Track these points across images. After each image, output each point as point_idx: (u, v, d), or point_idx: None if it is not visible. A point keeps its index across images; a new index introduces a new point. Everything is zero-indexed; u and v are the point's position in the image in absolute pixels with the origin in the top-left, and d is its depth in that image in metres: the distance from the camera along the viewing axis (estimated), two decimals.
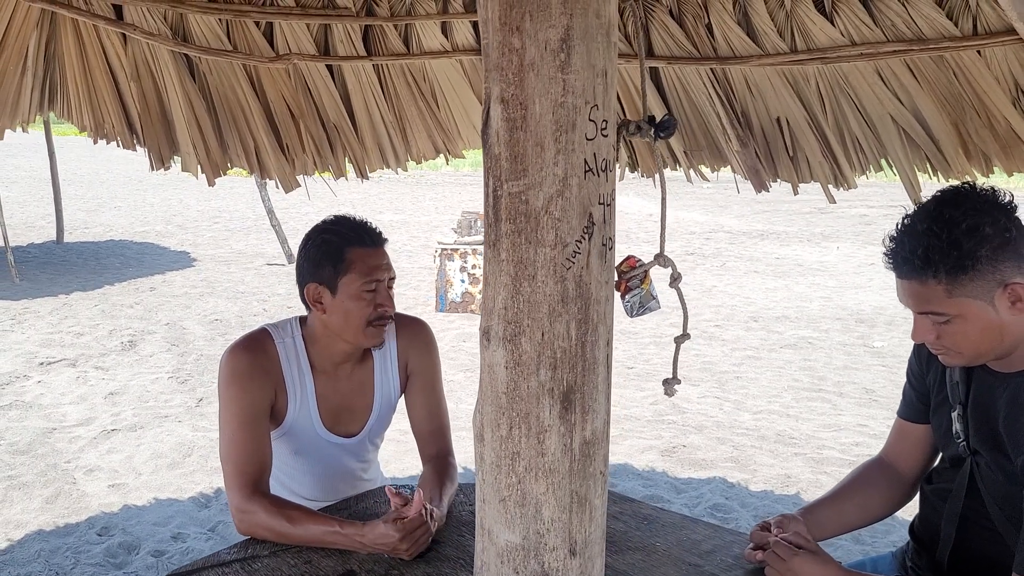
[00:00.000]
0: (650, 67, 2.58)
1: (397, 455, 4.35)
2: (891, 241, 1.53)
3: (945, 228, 1.44)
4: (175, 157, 2.82)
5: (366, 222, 2.00)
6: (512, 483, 1.22)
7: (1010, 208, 1.47)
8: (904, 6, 2.13)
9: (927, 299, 1.48)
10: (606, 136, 1.18)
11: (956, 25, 2.10)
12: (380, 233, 2.00)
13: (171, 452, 4.60)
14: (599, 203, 1.18)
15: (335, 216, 2.01)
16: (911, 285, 1.49)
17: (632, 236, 12.55)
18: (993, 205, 1.46)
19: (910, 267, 1.48)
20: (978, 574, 1.64)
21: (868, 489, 1.84)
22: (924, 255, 1.44)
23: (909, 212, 1.53)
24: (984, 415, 1.58)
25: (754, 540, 1.73)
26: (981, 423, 1.58)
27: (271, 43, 2.61)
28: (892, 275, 1.54)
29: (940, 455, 1.79)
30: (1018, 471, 1.49)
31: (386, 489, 1.75)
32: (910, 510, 1.88)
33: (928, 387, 1.76)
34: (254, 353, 1.94)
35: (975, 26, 2.09)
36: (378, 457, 2.24)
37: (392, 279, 1.98)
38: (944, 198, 1.49)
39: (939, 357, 1.58)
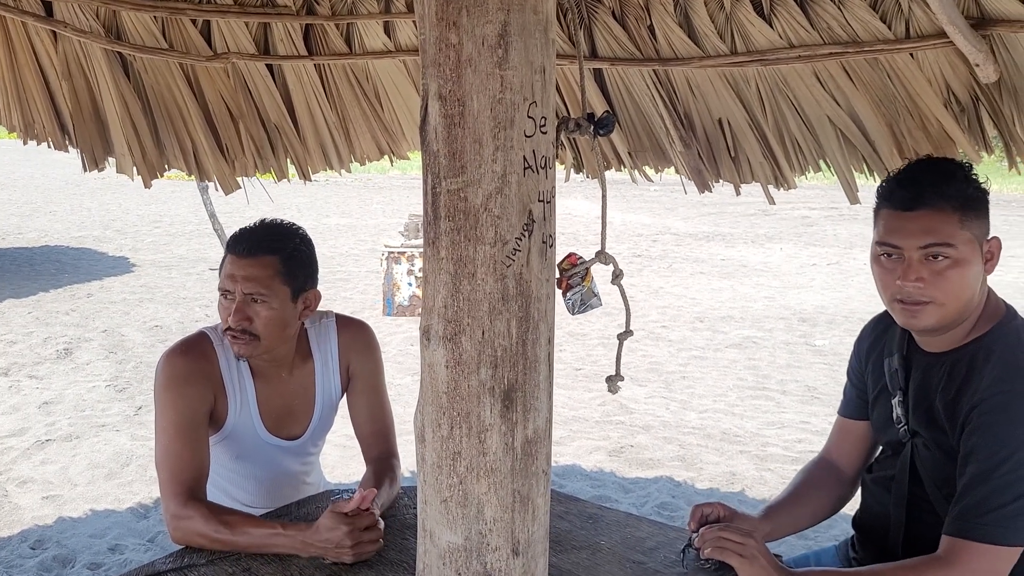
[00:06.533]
0: (594, 68, 2.59)
1: (343, 460, 4.28)
2: (903, 175, 1.58)
3: (960, 168, 1.57)
4: (109, 158, 2.74)
5: (253, 230, 1.89)
6: (453, 483, 1.21)
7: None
8: (839, 9, 2.17)
9: (937, 229, 1.49)
10: (545, 133, 1.18)
11: (890, 28, 2.15)
12: (262, 244, 1.85)
13: (108, 462, 4.47)
14: (539, 200, 1.18)
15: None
16: (922, 215, 1.50)
17: (580, 239, 12.61)
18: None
19: (931, 193, 1.51)
20: None
21: (817, 492, 1.88)
22: (946, 182, 1.52)
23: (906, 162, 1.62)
24: (923, 395, 1.63)
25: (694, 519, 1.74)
26: (919, 403, 1.63)
27: (208, 42, 2.55)
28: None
29: (880, 447, 1.83)
30: (954, 444, 1.53)
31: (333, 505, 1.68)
32: (851, 504, 1.92)
33: (866, 382, 1.81)
34: (192, 357, 1.90)
35: (908, 29, 2.13)
36: (320, 461, 2.20)
37: (249, 295, 1.82)
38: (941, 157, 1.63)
39: (910, 317, 1.55)
